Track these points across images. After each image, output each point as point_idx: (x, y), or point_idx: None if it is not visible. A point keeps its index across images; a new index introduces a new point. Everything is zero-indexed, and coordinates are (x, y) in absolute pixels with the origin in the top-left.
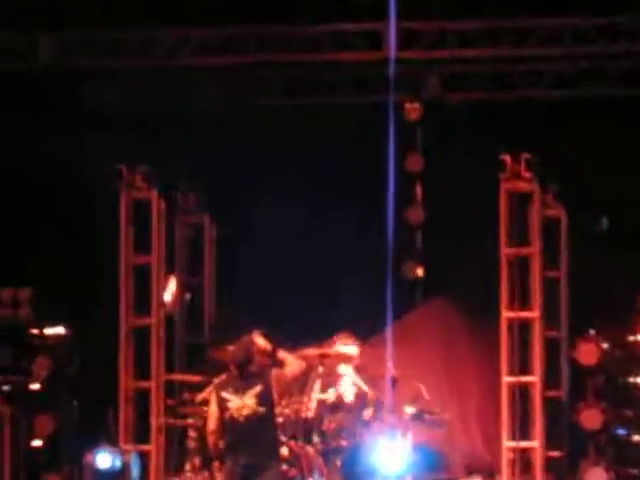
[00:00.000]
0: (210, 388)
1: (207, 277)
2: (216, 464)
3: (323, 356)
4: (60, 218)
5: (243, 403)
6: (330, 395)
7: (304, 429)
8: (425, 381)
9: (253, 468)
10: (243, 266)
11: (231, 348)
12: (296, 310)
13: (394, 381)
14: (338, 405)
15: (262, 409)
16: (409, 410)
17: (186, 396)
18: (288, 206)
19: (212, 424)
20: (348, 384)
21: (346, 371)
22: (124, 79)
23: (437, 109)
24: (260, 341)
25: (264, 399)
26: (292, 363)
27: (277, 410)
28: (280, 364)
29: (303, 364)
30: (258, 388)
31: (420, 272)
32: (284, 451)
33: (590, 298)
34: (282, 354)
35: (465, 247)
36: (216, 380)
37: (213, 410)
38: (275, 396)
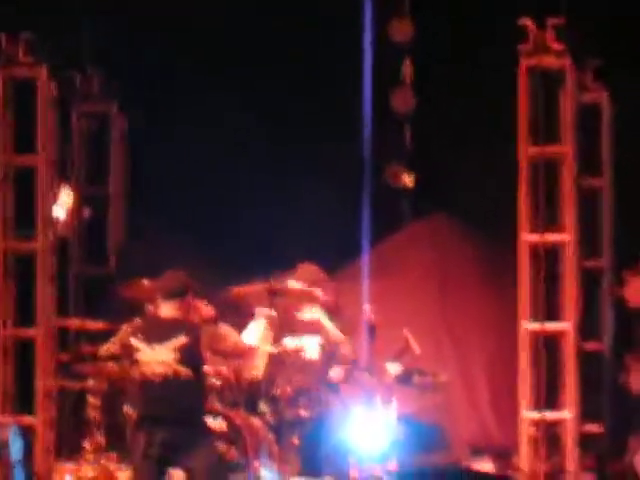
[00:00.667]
0: (119, 336)
1: (114, 187)
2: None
3: (275, 294)
4: None
5: (158, 357)
6: (285, 348)
7: (248, 394)
8: (416, 329)
9: (174, 448)
10: (164, 173)
11: (158, 280)
12: (236, 233)
13: (373, 329)
14: (296, 362)
15: (185, 369)
16: (393, 369)
17: (85, 349)
18: (225, 93)
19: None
20: (311, 334)
21: (310, 315)
22: None
23: None
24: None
25: (189, 356)
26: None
27: (210, 369)
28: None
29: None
30: (182, 339)
31: (409, 179)
32: (221, 424)
33: None
34: (225, 329)
35: (471, 145)
36: (126, 326)
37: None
38: (205, 353)
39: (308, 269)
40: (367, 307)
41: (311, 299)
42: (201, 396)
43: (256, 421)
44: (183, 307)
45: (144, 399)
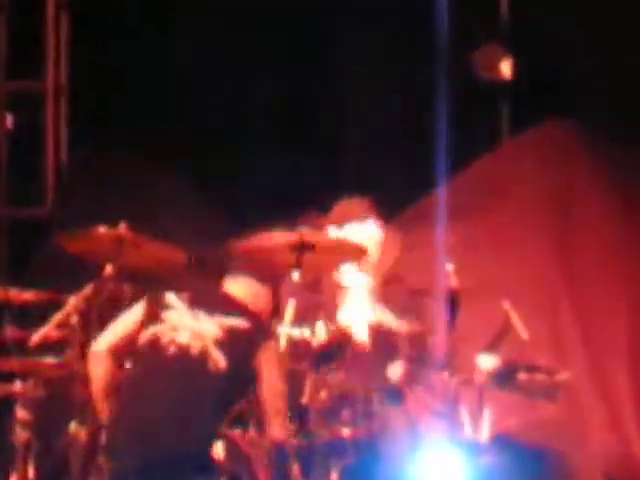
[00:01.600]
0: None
1: (52, 81)
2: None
3: (302, 247)
4: None
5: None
6: (316, 333)
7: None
8: (522, 301)
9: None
10: (126, 69)
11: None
12: (247, 165)
13: (456, 302)
14: (334, 352)
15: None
16: (487, 364)
17: (9, 334)
18: None
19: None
20: (357, 310)
21: (355, 280)
22: None
23: None
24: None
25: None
26: None
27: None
28: None
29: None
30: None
31: (507, 68)
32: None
33: None
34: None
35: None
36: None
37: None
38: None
39: (352, 205)
40: (448, 267)
41: (356, 254)
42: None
43: (271, 445)
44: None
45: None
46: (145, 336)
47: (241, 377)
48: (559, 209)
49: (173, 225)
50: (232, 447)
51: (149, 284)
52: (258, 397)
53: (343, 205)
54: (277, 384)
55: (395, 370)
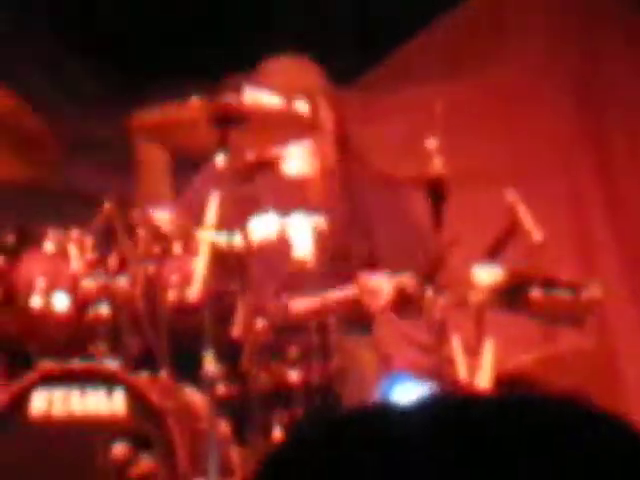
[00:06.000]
0: None
1: None
2: None
3: (228, 120)
4: None
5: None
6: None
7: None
8: (532, 190)
9: None
10: None
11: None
12: None
13: (439, 191)
14: (272, 263)
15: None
16: (486, 276)
17: None
18: None
19: None
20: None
21: (301, 168)
22: None
23: None
24: None
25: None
26: None
27: None
28: None
29: None
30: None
31: None
32: None
33: None
34: None
35: None
36: None
37: None
38: None
39: (286, 65)
40: (430, 144)
41: (306, 129)
42: None
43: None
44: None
45: None
46: None
47: None
48: (583, 63)
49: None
50: (137, 399)
51: None
52: None
53: (274, 65)
54: None
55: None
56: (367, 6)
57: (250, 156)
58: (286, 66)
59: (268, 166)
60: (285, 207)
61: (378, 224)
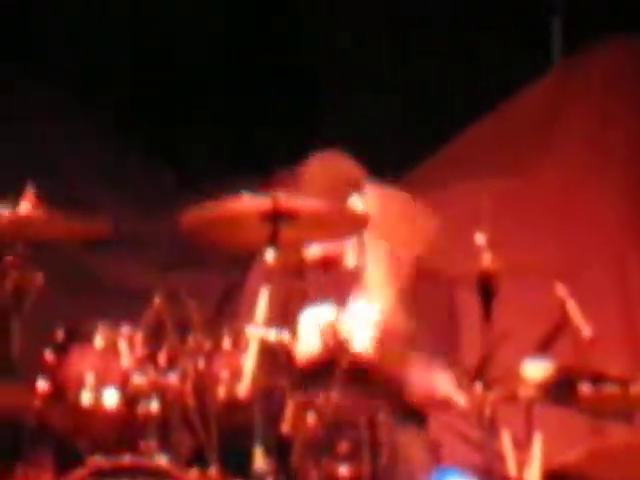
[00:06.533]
0: None
1: None
2: None
3: (279, 216)
4: None
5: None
6: (301, 337)
7: None
8: (582, 285)
9: None
10: None
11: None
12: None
13: (489, 286)
14: (327, 367)
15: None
16: (535, 371)
17: None
18: None
19: None
20: (361, 305)
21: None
22: None
23: None
24: None
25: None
26: None
27: None
28: None
29: None
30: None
31: None
32: None
33: None
34: None
35: None
36: None
37: None
38: None
39: (329, 161)
40: (480, 240)
41: (358, 225)
42: None
43: None
44: None
45: None
46: None
47: None
48: (632, 154)
49: (91, 187)
50: None
51: None
52: None
53: (318, 162)
54: None
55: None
56: (415, 104)
57: (314, 252)
58: (329, 162)
59: (332, 263)
60: (343, 299)
61: (424, 317)
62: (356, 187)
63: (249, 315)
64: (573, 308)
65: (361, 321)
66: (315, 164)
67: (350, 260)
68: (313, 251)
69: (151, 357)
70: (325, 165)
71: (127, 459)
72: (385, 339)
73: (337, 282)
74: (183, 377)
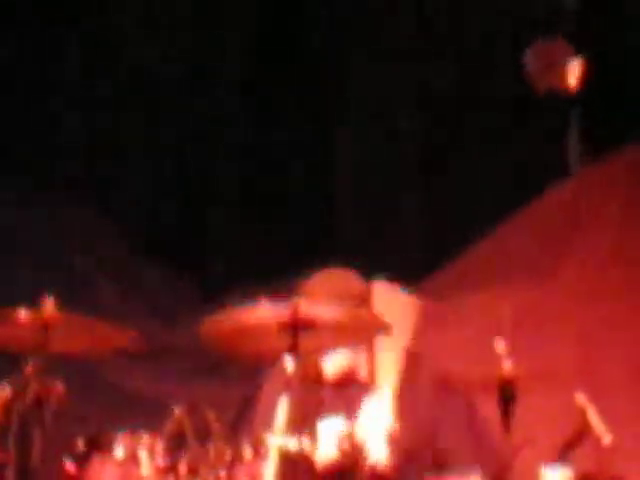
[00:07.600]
0: None
1: None
2: None
3: (298, 325)
4: None
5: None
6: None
7: None
8: (602, 394)
9: None
10: None
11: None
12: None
13: (509, 394)
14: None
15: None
16: (556, 478)
17: None
18: None
19: None
20: (376, 415)
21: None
22: None
23: None
24: None
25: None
26: None
27: None
28: None
29: None
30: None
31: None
32: None
33: None
34: None
35: None
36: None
37: None
38: None
39: (335, 276)
40: (499, 348)
41: (378, 332)
42: None
43: None
44: None
45: None
46: None
47: None
48: None
49: (112, 297)
50: None
51: None
52: None
53: (324, 276)
54: None
55: None
56: (431, 227)
57: (333, 368)
58: (334, 277)
59: (349, 378)
60: (354, 412)
61: (445, 429)
62: (361, 301)
63: (265, 424)
64: (593, 416)
65: (375, 432)
66: (321, 279)
67: (363, 371)
68: (332, 366)
69: (172, 467)
70: (331, 279)
71: None
72: (399, 448)
73: (349, 396)
74: None
